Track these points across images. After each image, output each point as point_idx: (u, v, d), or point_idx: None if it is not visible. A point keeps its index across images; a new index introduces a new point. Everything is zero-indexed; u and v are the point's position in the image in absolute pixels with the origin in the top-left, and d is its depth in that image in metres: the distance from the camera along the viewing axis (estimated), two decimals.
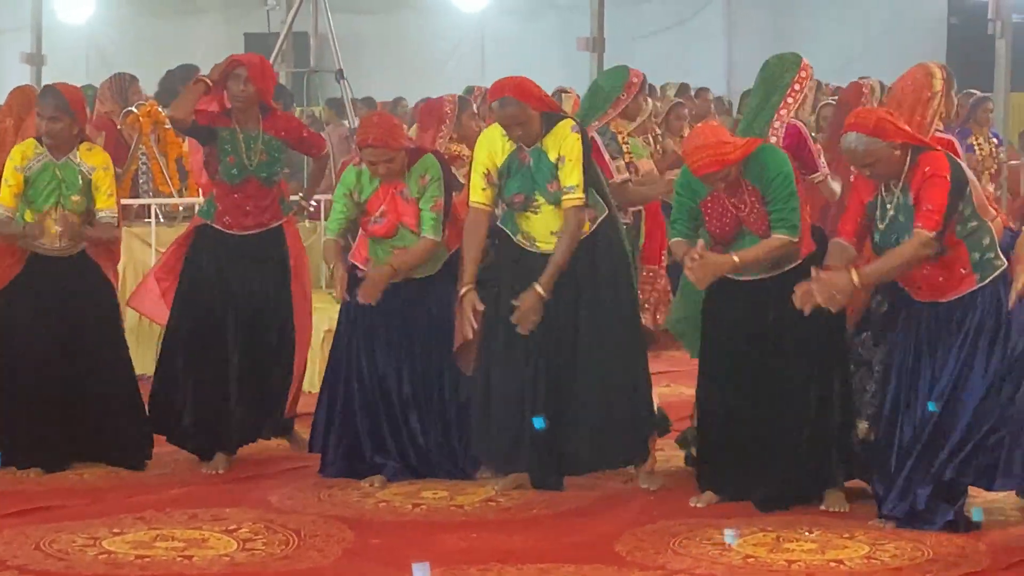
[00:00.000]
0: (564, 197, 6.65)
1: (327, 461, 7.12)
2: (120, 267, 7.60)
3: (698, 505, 6.55)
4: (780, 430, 6.49)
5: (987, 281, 6.09)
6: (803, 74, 6.77)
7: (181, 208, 10.66)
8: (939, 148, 6.13)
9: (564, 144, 6.67)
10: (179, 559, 5.79)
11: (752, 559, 5.82)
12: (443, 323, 6.94)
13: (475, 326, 6.74)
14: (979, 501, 6.42)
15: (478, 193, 6.81)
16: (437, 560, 5.75)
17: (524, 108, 6.65)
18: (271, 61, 9.36)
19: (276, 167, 7.36)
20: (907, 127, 6.10)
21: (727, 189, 6.41)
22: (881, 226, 6.13)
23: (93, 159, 7.11)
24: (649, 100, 8.08)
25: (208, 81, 7.28)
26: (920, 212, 5.97)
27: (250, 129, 7.30)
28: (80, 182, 7.05)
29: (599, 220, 6.81)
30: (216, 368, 7.33)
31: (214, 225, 7.36)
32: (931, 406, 6.12)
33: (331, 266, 7.27)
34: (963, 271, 6.10)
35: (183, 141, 10.71)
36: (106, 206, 7.08)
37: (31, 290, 7.11)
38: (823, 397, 6.51)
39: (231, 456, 7.36)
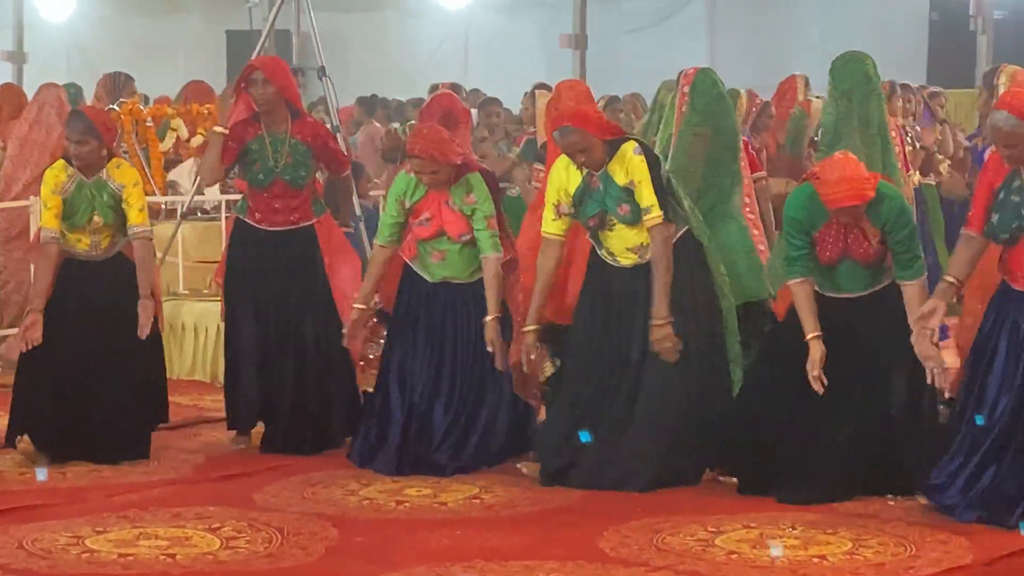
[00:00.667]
0: (644, 218, 6.75)
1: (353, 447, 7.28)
2: None
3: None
4: (854, 438, 6.51)
5: None
6: None
7: (164, 205, 10.64)
8: None
9: (630, 168, 6.74)
10: (162, 557, 5.78)
11: (735, 555, 5.82)
12: (479, 330, 7.06)
13: (529, 368, 6.97)
14: None
15: (549, 224, 6.96)
16: (421, 557, 5.77)
17: (585, 135, 6.72)
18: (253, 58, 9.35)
19: (302, 171, 7.44)
20: None
21: (849, 220, 6.44)
22: (1004, 211, 6.10)
23: (123, 176, 7.20)
24: None
25: (226, 131, 7.42)
26: None
27: (278, 132, 7.41)
28: (111, 199, 7.15)
29: (678, 235, 6.85)
30: (246, 351, 7.50)
31: (247, 220, 7.52)
32: (979, 420, 6.12)
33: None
34: None
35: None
36: (139, 221, 7.20)
37: (61, 293, 7.16)
38: (905, 405, 6.54)
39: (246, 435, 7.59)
